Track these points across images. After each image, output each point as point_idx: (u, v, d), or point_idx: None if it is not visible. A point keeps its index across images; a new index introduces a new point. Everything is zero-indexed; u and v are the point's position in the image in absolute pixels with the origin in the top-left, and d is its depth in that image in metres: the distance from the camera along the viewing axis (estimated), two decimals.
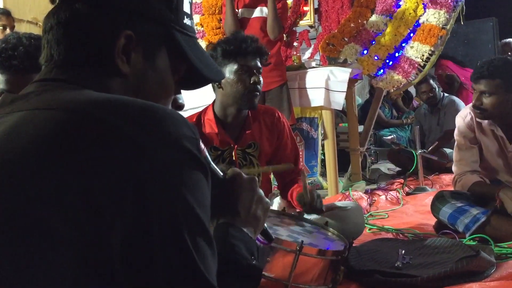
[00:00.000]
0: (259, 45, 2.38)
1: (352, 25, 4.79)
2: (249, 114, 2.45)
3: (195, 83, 0.99)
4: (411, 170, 4.37)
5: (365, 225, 2.83)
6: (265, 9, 3.91)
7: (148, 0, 0.86)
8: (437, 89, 5.31)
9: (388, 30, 4.69)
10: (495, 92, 2.61)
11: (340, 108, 4.13)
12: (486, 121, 2.76)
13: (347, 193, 3.84)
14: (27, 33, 1.72)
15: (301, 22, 5.31)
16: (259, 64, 2.38)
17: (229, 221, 0.93)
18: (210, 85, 2.45)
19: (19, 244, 0.64)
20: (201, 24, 5.22)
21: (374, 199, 3.86)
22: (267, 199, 1.01)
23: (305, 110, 4.44)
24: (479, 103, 2.66)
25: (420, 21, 4.62)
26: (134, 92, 0.85)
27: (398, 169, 5.31)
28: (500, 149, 2.78)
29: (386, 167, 5.58)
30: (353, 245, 1.95)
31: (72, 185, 0.66)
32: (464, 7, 4.66)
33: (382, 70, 4.67)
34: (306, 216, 2.16)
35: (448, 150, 4.77)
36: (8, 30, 3.80)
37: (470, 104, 2.80)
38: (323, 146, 4.36)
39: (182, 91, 1.02)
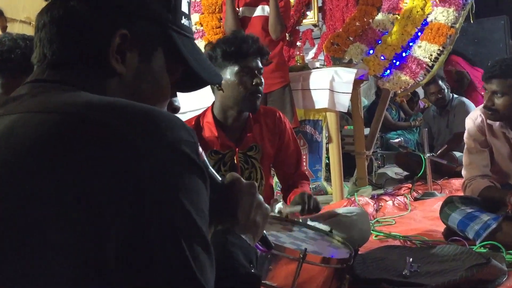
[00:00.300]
0: (260, 45, 2.38)
1: (357, 24, 4.79)
2: (250, 116, 2.46)
3: (192, 85, 0.99)
4: (419, 175, 4.36)
5: (371, 231, 2.83)
6: (266, 8, 3.92)
7: None
8: (446, 90, 5.31)
9: (395, 29, 4.69)
10: (508, 92, 2.61)
11: (345, 110, 4.12)
12: (497, 123, 2.75)
13: (352, 199, 3.83)
14: (20, 34, 1.72)
15: (304, 21, 5.31)
16: (260, 64, 2.38)
17: (228, 228, 0.93)
18: (209, 87, 2.45)
19: (17, 245, 0.66)
20: (200, 23, 5.23)
21: (380, 204, 3.86)
22: (266, 205, 1.01)
23: (308, 112, 4.44)
24: (491, 104, 2.66)
25: (428, 19, 4.62)
26: (130, 93, 0.85)
27: (405, 173, 5.30)
28: None
29: (393, 171, 5.58)
30: (359, 252, 1.95)
31: (70, 187, 0.67)
32: (474, 5, 4.66)
33: (388, 71, 4.67)
34: (310, 222, 2.16)
35: (457, 154, 4.76)
36: (0, 31, 3.81)
37: (481, 106, 2.79)
38: (327, 149, 4.36)
39: (179, 93, 1.03)
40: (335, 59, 4.53)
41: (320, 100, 3.98)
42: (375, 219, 3.44)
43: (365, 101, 7.18)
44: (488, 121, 2.78)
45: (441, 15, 4.55)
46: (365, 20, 4.81)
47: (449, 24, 4.53)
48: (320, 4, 5.33)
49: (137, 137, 0.70)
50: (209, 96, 2.54)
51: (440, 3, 4.56)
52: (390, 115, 6.85)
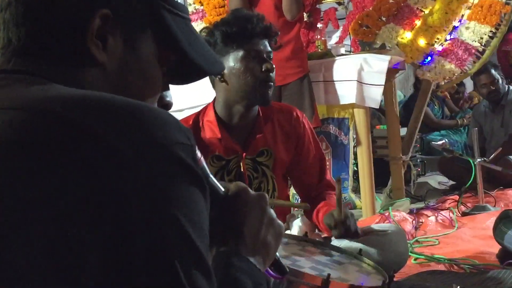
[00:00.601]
0: (267, 24, 2.38)
1: (391, 0, 4.78)
2: (260, 113, 2.45)
3: (188, 76, 0.99)
4: (468, 184, 4.34)
5: (410, 254, 2.82)
6: None
7: None
8: (500, 80, 5.28)
9: (436, 6, 4.67)
10: None
11: (377, 106, 4.12)
12: None
13: (386, 214, 3.82)
14: None
15: None
16: (268, 47, 2.38)
17: (232, 249, 0.92)
18: (208, 79, 2.45)
19: None
20: (200, 2, 5.24)
21: (421, 221, 3.84)
22: (279, 222, 1.00)
23: (332, 109, 4.43)
24: None
25: None
26: (113, 86, 0.86)
27: (451, 182, 5.29)
28: None
29: (436, 180, 5.56)
30: (394, 279, 1.94)
31: (36, 202, 0.66)
32: None
33: (430, 58, 4.65)
34: (335, 242, 2.15)
35: None
36: None
37: None
38: (355, 154, 4.35)
39: (173, 86, 1.03)
40: (364, 44, 4.53)
41: (346, 94, 3.97)
42: (414, 239, 3.43)
43: (401, 95, 7.16)
44: None
45: None
46: None
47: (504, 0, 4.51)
48: None
49: (119, 139, 0.70)
50: (211, 90, 2.54)
51: None
52: (432, 112, 6.83)
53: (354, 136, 4.30)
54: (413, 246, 3.22)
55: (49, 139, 0.70)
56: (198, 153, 0.84)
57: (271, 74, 2.34)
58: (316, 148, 2.57)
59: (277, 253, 1.03)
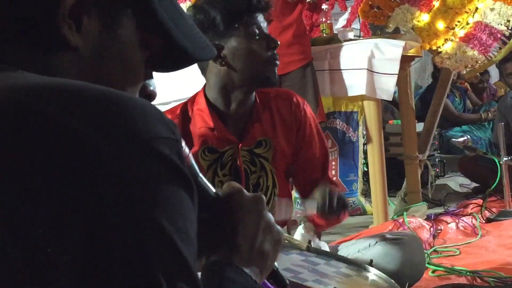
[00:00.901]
0: None
1: None
2: (257, 100, 2.45)
3: (174, 63, 0.99)
4: (493, 187, 4.35)
5: (427, 265, 2.82)
6: None
7: None
8: None
9: None
10: None
11: (390, 99, 4.12)
12: None
13: (400, 220, 3.82)
14: None
15: None
16: (265, 21, 2.40)
17: (225, 258, 0.93)
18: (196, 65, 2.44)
19: None
20: None
21: (439, 228, 3.85)
22: (279, 228, 1.00)
23: (339, 101, 4.45)
24: None
25: None
26: (88, 73, 0.85)
27: (474, 185, 5.29)
28: None
29: (457, 182, 5.57)
30: None
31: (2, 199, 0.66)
32: None
33: (449, 43, 4.66)
34: (342, 252, 2.16)
35: None
36: None
37: None
38: (365, 153, 4.36)
39: (158, 74, 1.03)
40: (375, 28, 4.53)
41: (355, 84, 3.97)
42: (432, 248, 3.43)
43: (417, 86, 7.16)
44: None
45: None
46: None
47: None
48: None
49: (94, 133, 0.69)
50: (202, 80, 2.54)
51: None
52: (453, 105, 6.84)
53: (364, 133, 4.31)
54: (430, 256, 3.22)
55: (15, 133, 0.69)
56: (186, 150, 0.84)
57: (275, 52, 2.36)
58: (319, 139, 2.57)
59: (275, 263, 1.03)
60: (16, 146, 0.69)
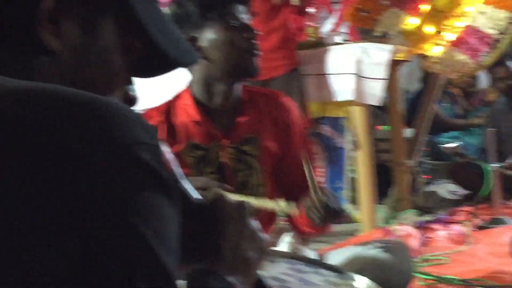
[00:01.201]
0: None
1: None
2: (244, 96, 2.45)
3: (156, 68, 0.99)
4: (484, 194, 4.36)
5: (416, 273, 2.83)
6: None
7: None
8: None
9: None
10: None
11: (379, 104, 4.13)
12: None
13: (389, 228, 3.83)
14: None
15: None
16: (246, 15, 2.40)
17: (208, 267, 0.93)
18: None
19: None
20: None
21: (429, 236, 3.85)
22: (263, 235, 1.01)
23: (326, 107, 4.44)
24: None
25: None
26: (68, 77, 0.85)
27: (464, 192, 5.31)
28: None
29: (447, 189, 5.57)
30: None
31: None
32: None
33: (438, 48, 4.68)
34: (330, 258, 2.16)
35: None
36: None
37: None
38: (353, 159, 4.36)
39: (141, 80, 1.03)
40: (364, 32, 4.54)
41: (343, 89, 3.98)
42: (421, 256, 3.44)
43: (406, 91, 7.17)
44: None
45: None
46: None
47: None
48: None
49: (73, 138, 0.69)
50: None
51: None
52: (443, 110, 6.86)
53: (352, 139, 4.31)
54: (419, 265, 3.23)
55: None
56: (169, 155, 0.84)
57: (255, 42, 2.36)
58: (305, 142, 2.57)
59: (261, 272, 1.03)
60: None
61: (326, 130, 4.53)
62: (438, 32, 4.64)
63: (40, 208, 0.67)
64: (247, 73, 2.38)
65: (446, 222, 4.13)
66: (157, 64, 0.98)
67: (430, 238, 3.83)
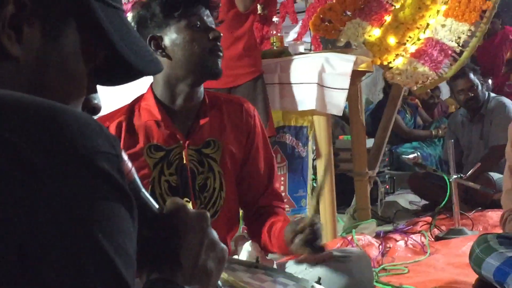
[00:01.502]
0: None
1: None
2: (206, 98, 2.45)
3: (119, 76, 0.98)
4: (443, 204, 4.39)
5: (375, 283, 2.84)
6: None
7: None
8: (479, 86, 5.36)
9: (409, 0, 4.74)
10: None
11: (340, 114, 4.15)
12: None
13: (349, 238, 3.85)
14: None
15: None
16: (212, 18, 2.40)
17: (166, 276, 0.92)
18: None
19: None
20: None
21: (388, 246, 3.88)
22: (223, 245, 1.01)
23: (289, 116, 4.45)
24: None
25: None
26: (28, 84, 0.85)
27: (424, 202, 5.35)
28: None
29: (407, 199, 5.62)
30: None
31: None
32: None
33: (400, 59, 4.72)
34: (291, 269, 2.16)
35: (496, 176, 4.82)
36: None
37: None
38: (315, 168, 4.37)
39: (104, 88, 1.03)
40: (326, 42, 4.56)
41: (305, 98, 3.99)
42: (381, 266, 3.46)
43: (368, 101, 7.22)
44: None
45: None
46: None
47: None
48: None
49: (30, 147, 0.69)
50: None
51: None
52: (403, 121, 6.91)
53: (314, 148, 4.32)
54: (379, 274, 3.25)
55: None
56: (129, 164, 0.83)
57: (219, 43, 2.36)
58: (266, 149, 2.57)
59: (219, 282, 1.03)
60: None
61: (289, 138, 4.53)
62: (400, 43, 4.67)
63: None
64: (210, 73, 2.37)
65: (406, 232, 4.16)
66: (120, 72, 0.98)
67: (390, 248, 3.86)
